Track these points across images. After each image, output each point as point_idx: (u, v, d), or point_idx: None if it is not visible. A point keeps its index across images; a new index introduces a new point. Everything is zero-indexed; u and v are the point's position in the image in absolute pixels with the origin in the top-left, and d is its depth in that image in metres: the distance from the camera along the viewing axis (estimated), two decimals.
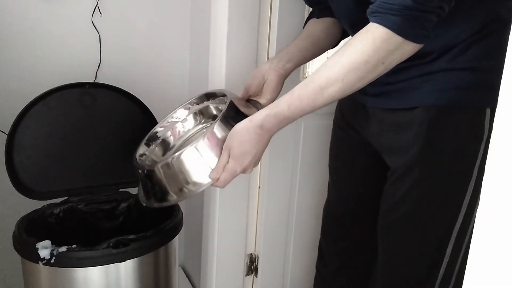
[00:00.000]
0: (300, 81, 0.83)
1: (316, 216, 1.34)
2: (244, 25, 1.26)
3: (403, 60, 0.76)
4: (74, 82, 1.16)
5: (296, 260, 1.52)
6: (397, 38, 0.71)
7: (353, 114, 1.03)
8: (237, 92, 1.03)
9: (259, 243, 1.45)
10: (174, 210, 1.12)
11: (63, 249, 0.94)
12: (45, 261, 0.93)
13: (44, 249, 0.93)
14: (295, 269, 1.53)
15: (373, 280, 1.12)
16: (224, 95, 1.03)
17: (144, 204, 0.99)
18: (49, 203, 1.15)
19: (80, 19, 1.32)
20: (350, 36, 0.90)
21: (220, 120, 0.88)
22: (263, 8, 1.28)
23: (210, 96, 1.09)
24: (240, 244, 1.44)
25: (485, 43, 0.79)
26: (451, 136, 0.82)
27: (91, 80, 1.34)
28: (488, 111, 0.80)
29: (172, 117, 1.10)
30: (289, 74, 1.02)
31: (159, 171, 0.91)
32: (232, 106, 0.92)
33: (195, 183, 0.89)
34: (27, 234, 0.99)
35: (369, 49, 0.73)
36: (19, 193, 1.12)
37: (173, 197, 0.92)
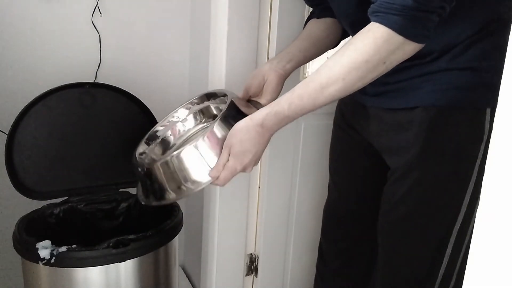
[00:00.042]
0: (300, 82, 0.83)
1: (316, 216, 1.34)
2: (244, 25, 1.26)
3: (404, 59, 0.76)
4: (74, 82, 1.16)
5: (296, 260, 1.52)
6: (398, 38, 0.71)
7: (353, 114, 1.03)
8: (237, 92, 1.03)
9: (259, 243, 1.45)
10: (174, 210, 1.12)
11: (63, 249, 0.94)
12: (45, 261, 0.93)
13: (44, 249, 0.93)
14: (295, 269, 1.53)
15: (373, 280, 1.12)
16: (224, 95, 1.04)
17: (143, 203, 0.99)
18: (49, 203, 1.15)
19: (80, 19, 1.32)
20: (350, 36, 0.90)
21: (220, 119, 0.89)
22: (263, 8, 1.28)
23: (210, 96, 1.10)
24: (240, 244, 1.44)
25: (485, 43, 0.79)
26: (451, 136, 0.82)
27: (91, 80, 1.34)
28: (488, 111, 0.80)
29: (173, 117, 1.11)
30: (289, 75, 1.02)
31: (158, 169, 0.91)
32: (232, 106, 0.92)
33: (194, 182, 0.89)
34: (27, 234, 0.99)
35: (370, 48, 0.73)
36: (19, 193, 1.12)
37: (172, 195, 0.92)
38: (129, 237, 0.98)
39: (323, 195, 1.18)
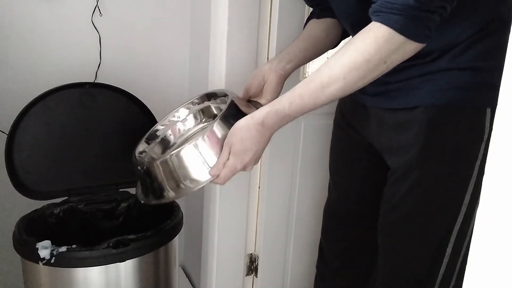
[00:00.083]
0: (300, 81, 0.83)
1: (316, 216, 1.34)
2: (244, 25, 1.26)
3: (405, 59, 0.76)
4: (74, 82, 1.16)
5: (296, 260, 1.52)
6: (399, 38, 0.71)
7: (353, 114, 1.03)
8: (237, 92, 1.03)
9: (259, 243, 1.45)
10: (174, 210, 1.12)
11: (63, 249, 0.94)
12: (45, 261, 0.93)
13: (44, 249, 0.93)
14: (295, 269, 1.53)
15: (373, 280, 1.12)
16: (225, 95, 1.04)
17: (142, 202, 0.99)
18: (49, 203, 1.15)
19: (80, 19, 1.32)
20: (351, 37, 0.90)
21: (220, 118, 0.89)
22: (263, 8, 1.28)
23: (211, 96, 1.10)
24: (240, 244, 1.44)
25: (486, 43, 0.79)
26: (451, 136, 0.82)
27: (91, 80, 1.34)
28: (488, 111, 0.80)
29: (173, 116, 1.11)
30: (289, 75, 1.02)
31: (158, 167, 0.91)
32: (233, 106, 0.92)
33: (193, 180, 0.89)
34: (27, 234, 0.99)
35: (371, 48, 0.73)
36: (19, 193, 1.12)
37: (171, 194, 0.92)
38: (129, 237, 0.98)
39: (323, 195, 1.18)
